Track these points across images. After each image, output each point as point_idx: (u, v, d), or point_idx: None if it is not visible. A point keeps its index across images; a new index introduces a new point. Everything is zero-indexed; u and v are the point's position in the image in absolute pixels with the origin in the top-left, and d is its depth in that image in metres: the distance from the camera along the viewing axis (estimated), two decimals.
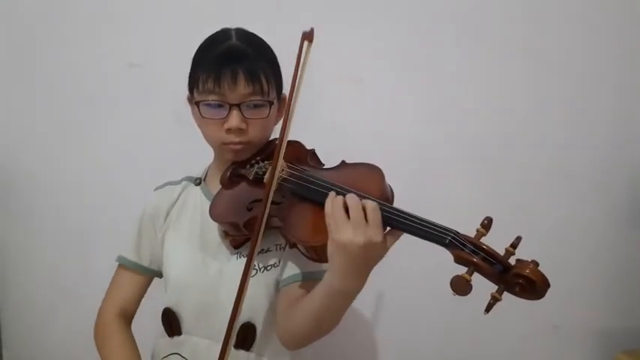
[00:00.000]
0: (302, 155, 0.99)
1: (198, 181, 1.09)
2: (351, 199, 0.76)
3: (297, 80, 0.87)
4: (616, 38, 1.52)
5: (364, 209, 0.75)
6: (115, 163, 1.51)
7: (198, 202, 1.05)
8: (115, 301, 1.09)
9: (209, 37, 0.99)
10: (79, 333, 1.54)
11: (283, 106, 1.05)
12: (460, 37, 1.50)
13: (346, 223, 0.74)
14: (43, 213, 1.54)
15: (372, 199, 0.77)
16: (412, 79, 1.52)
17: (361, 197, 0.77)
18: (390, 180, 0.88)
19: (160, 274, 1.10)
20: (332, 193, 0.80)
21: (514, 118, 1.54)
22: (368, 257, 0.75)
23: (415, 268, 1.47)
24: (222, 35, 0.98)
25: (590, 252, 1.58)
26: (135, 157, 1.51)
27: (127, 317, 1.09)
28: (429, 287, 1.55)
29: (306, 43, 0.87)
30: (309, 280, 0.94)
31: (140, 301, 1.11)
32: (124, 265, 1.09)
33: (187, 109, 1.04)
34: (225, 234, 0.97)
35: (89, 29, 1.48)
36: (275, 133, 1.07)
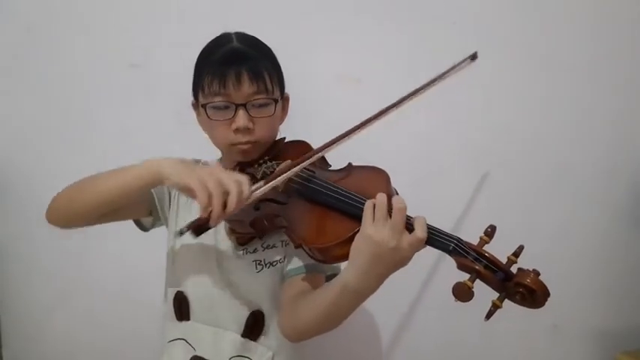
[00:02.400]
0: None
1: None
2: (399, 202, 0.76)
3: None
4: (617, 39, 1.52)
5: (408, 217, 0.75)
6: (115, 164, 1.51)
7: None
8: None
9: (210, 42, 1.01)
10: (79, 333, 1.55)
11: (287, 104, 1.07)
12: (461, 38, 1.50)
13: (385, 222, 0.75)
14: (42, 213, 1.53)
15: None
16: (413, 79, 1.52)
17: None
18: (391, 180, 0.88)
19: (148, 217, 1.08)
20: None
21: (516, 119, 1.54)
22: (392, 262, 0.76)
23: (418, 267, 1.47)
24: (223, 39, 1.00)
25: (590, 252, 1.58)
26: (135, 157, 1.49)
27: None
28: (429, 287, 1.55)
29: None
30: (312, 273, 0.96)
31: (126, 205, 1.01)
32: None
33: (188, 108, 1.05)
34: (232, 231, 0.98)
35: (89, 29, 1.48)
36: (281, 133, 1.08)
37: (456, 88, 1.52)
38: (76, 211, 0.97)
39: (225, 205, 0.79)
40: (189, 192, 0.81)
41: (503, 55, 1.51)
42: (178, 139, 1.39)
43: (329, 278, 0.98)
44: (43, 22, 1.47)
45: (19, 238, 1.53)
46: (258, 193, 0.84)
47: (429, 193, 1.51)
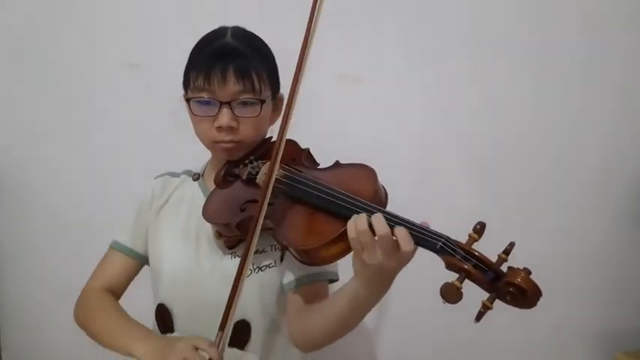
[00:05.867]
0: (297, 155, 0.98)
1: (196, 177, 1.09)
2: (380, 228, 0.72)
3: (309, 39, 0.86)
4: (618, 40, 1.52)
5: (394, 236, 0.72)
6: (114, 163, 1.51)
7: (195, 197, 1.05)
8: (102, 281, 1.08)
9: (205, 35, 0.99)
10: (78, 333, 1.54)
11: (280, 105, 1.04)
12: (461, 38, 1.50)
13: (375, 247, 0.72)
14: (41, 213, 1.54)
15: (402, 223, 0.74)
16: (412, 79, 1.52)
17: (387, 220, 0.73)
18: (390, 180, 0.87)
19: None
20: (355, 217, 0.76)
21: (515, 119, 1.54)
22: (395, 272, 0.76)
23: (416, 267, 1.47)
24: (218, 33, 0.98)
25: (590, 252, 1.58)
26: (134, 156, 1.51)
27: (115, 295, 1.08)
28: (428, 287, 1.55)
29: None
30: (316, 282, 0.95)
31: (128, 284, 1.10)
32: (117, 249, 1.08)
33: (185, 104, 1.04)
34: (219, 235, 0.96)
35: (89, 29, 1.48)
36: (272, 132, 1.08)
37: (453, 87, 1.53)
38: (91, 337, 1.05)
39: None
40: None
41: (504, 55, 1.51)
42: (176, 139, 1.39)
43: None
44: (43, 22, 1.47)
45: (19, 237, 1.53)
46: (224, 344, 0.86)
47: (427, 191, 1.51)
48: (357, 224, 0.74)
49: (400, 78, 1.51)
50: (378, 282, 0.76)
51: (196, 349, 0.84)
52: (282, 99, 1.05)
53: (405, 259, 0.73)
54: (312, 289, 0.94)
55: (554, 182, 1.55)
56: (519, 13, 1.51)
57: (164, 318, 1.00)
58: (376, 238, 0.72)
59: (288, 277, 0.96)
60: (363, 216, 0.74)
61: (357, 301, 0.79)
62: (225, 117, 0.93)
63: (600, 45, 1.51)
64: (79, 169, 1.52)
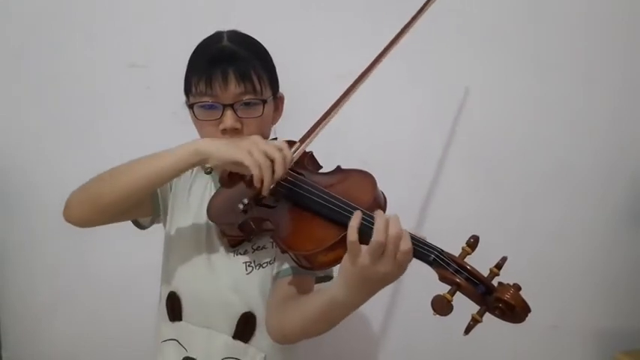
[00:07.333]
0: (300, 157, 0.99)
1: (209, 170, 1.09)
2: (406, 244, 0.73)
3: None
4: (617, 40, 1.52)
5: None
6: (114, 163, 1.51)
7: (207, 190, 1.06)
8: None
9: (202, 40, 1.00)
10: (79, 333, 1.55)
11: (281, 105, 1.06)
12: (461, 38, 1.51)
13: (382, 256, 0.72)
14: (42, 213, 1.54)
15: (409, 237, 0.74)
16: (413, 79, 1.52)
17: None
18: (389, 181, 0.88)
19: (149, 215, 1.07)
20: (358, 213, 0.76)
21: (515, 119, 1.54)
22: (384, 281, 0.75)
23: (416, 272, 1.47)
24: (215, 38, 0.99)
25: (590, 253, 1.58)
26: (134, 156, 1.50)
27: None
28: (426, 286, 1.55)
29: None
30: (300, 275, 0.96)
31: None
32: None
33: (187, 109, 1.05)
34: (222, 234, 0.98)
35: (89, 29, 1.48)
36: (275, 133, 1.08)
37: (455, 89, 1.53)
38: (103, 204, 0.95)
39: (273, 172, 0.83)
40: (237, 166, 0.84)
41: (503, 56, 1.51)
42: (178, 139, 1.39)
43: (319, 280, 0.99)
44: (43, 22, 1.47)
45: (20, 237, 1.53)
46: (297, 154, 0.90)
47: (425, 195, 1.52)
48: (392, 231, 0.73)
49: (400, 78, 1.51)
50: (360, 286, 0.76)
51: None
52: (282, 98, 1.07)
53: (397, 268, 0.73)
54: (297, 282, 0.95)
55: (552, 182, 1.56)
56: (520, 14, 1.51)
57: (174, 305, 1.02)
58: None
59: (277, 268, 0.98)
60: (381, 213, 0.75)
61: (333, 304, 0.79)
62: (229, 119, 0.94)
63: (601, 45, 1.52)
64: (79, 169, 1.51)
